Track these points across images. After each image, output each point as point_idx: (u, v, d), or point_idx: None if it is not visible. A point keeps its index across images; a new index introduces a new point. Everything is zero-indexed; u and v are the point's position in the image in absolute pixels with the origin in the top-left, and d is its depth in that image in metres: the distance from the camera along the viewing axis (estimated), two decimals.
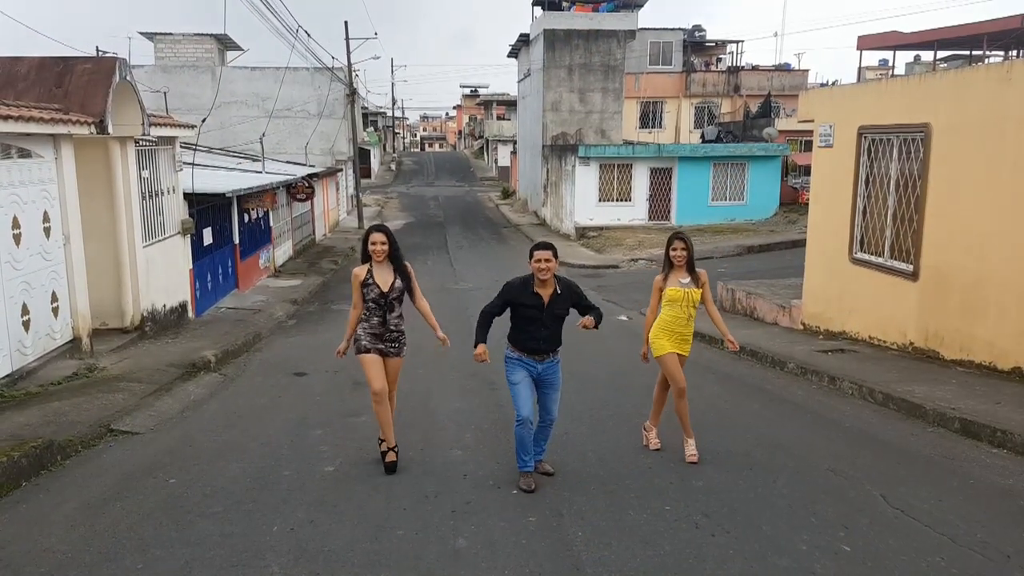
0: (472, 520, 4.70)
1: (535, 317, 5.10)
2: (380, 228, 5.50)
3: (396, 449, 5.61)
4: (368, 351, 5.47)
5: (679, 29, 37.70)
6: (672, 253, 5.76)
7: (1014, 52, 25.34)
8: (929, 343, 8.56)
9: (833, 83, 32.74)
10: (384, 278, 5.41)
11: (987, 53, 24.79)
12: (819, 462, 5.70)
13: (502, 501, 4.99)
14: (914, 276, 8.70)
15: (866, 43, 27.51)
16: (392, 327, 5.47)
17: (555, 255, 5.09)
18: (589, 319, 5.12)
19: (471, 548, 4.35)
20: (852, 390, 7.72)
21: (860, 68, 30.51)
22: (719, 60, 40.65)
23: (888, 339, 9.23)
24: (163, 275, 11.18)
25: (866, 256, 9.70)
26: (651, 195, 25.13)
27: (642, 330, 5.91)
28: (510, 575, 4.05)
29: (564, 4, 30.21)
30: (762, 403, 7.54)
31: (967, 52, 26.92)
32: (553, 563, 4.17)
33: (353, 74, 30.00)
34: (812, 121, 10.87)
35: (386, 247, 5.38)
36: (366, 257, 5.45)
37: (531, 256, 5.15)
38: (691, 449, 5.72)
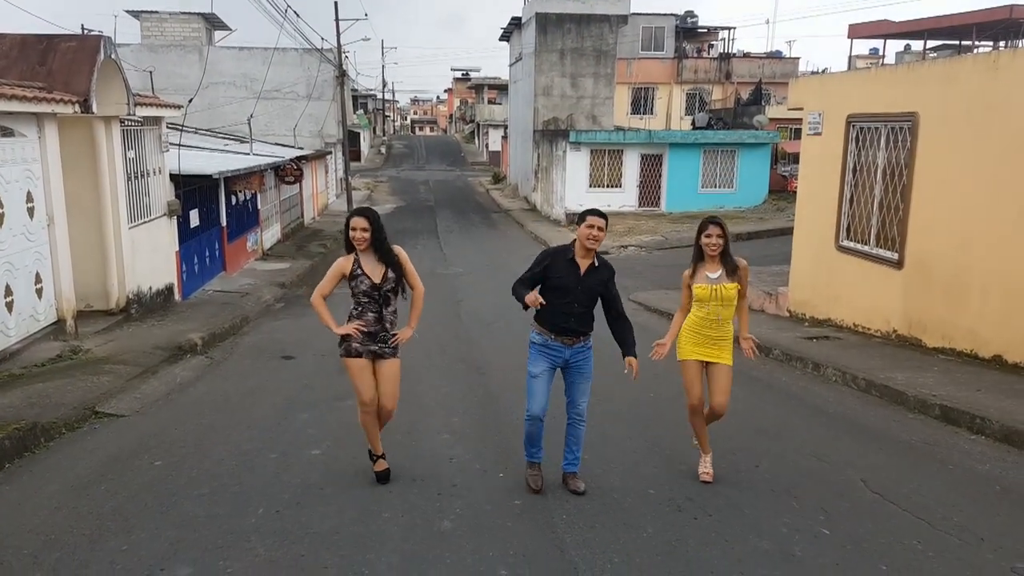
0: (458, 503, 4.73)
1: (569, 287, 4.56)
2: (362, 212, 4.80)
3: (384, 456, 5.13)
4: (359, 355, 4.80)
5: (671, 15, 37.56)
6: (705, 240, 4.83)
7: (1002, 42, 25.43)
8: (912, 331, 8.65)
9: (824, 71, 32.75)
10: (374, 268, 4.75)
11: (976, 43, 24.88)
12: (801, 447, 5.77)
13: (488, 484, 5.02)
14: (899, 264, 8.77)
15: (857, 32, 27.53)
16: (388, 323, 4.83)
17: (607, 225, 4.61)
18: (634, 361, 4.73)
19: (456, 530, 4.38)
20: (836, 377, 7.80)
21: (851, 56, 30.60)
22: (711, 47, 40.56)
23: (872, 327, 9.31)
24: (149, 257, 11.10)
25: (852, 244, 9.76)
26: (641, 181, 25.13)
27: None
28: (495, 556, 4.08)
29: None
30: (747, 389, 7.60)
31: (956, 42, 26.99)
32: (537, 545, 4.21)
33: (343, 56, 29.72)
34: (802, 109, 10.89)
35: (367, 234, 4.70)
36: (351, 247, 4.77)
37: (582, 220, 4.61)
38: (705, 467, 5.13)
